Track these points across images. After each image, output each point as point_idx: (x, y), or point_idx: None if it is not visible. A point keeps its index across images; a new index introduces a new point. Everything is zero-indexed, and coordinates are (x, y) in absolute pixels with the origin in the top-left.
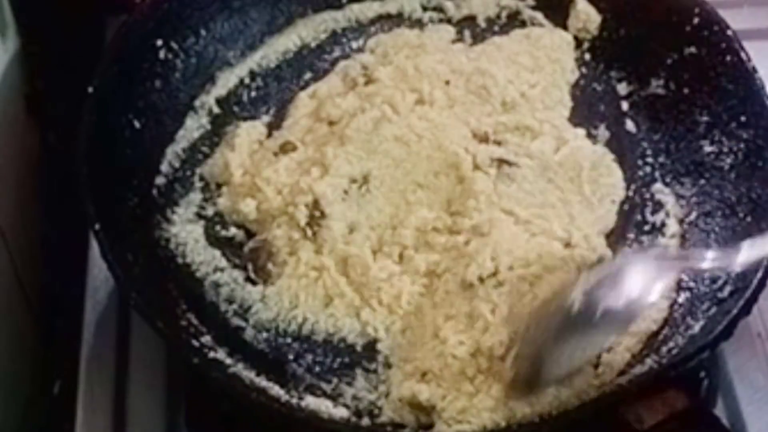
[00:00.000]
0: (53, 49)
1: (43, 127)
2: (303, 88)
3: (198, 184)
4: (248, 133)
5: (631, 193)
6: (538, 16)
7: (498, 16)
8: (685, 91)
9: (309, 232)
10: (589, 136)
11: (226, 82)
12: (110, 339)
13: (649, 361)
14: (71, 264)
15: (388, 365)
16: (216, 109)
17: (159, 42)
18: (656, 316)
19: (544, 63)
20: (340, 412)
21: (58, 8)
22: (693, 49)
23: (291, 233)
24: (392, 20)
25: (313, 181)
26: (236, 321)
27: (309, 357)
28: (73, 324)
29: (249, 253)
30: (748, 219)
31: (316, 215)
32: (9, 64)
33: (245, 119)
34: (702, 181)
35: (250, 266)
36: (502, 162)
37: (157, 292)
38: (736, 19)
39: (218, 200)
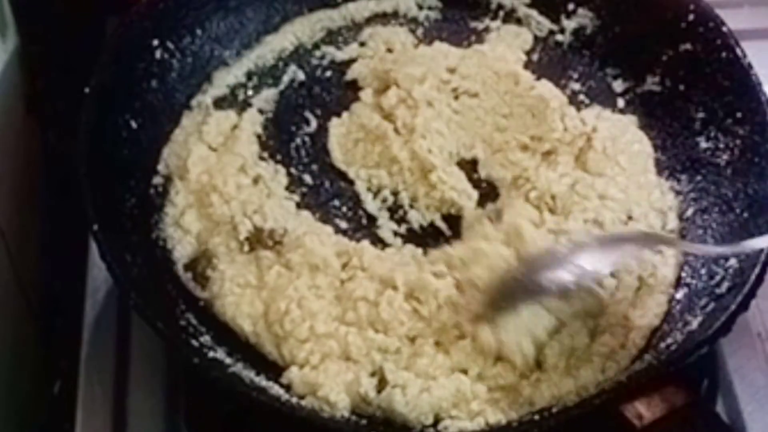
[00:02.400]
0: (53, 49)
1: (43, 127)
2: (299, 87)
3: None
4: (218, 123)
5: None
6: (534, 13)
7: (495, 15)
8: (681, 87)
9: (246, 248)
10: None
11: (222, 81)
12: (110, 339)
13: (647, 357)
14: (71, 264)
15: None
16: (212, 109)
17: (155, 42)
18: (657, 310)
19: None
20: (341, 412)
21: (58, 8)
22: (688, 46)
23: (229, 243)
24: (388, 19)
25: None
26: None
27: None
28: (73, 324)
29: (190, 259)
30: (745, 215)
31: (260, 235)
32: (9, 64)
33: None
34: (698, 178)
35: (189, 274)
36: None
37: (156, 293)
38: (735, 19)
39: (174, 198)
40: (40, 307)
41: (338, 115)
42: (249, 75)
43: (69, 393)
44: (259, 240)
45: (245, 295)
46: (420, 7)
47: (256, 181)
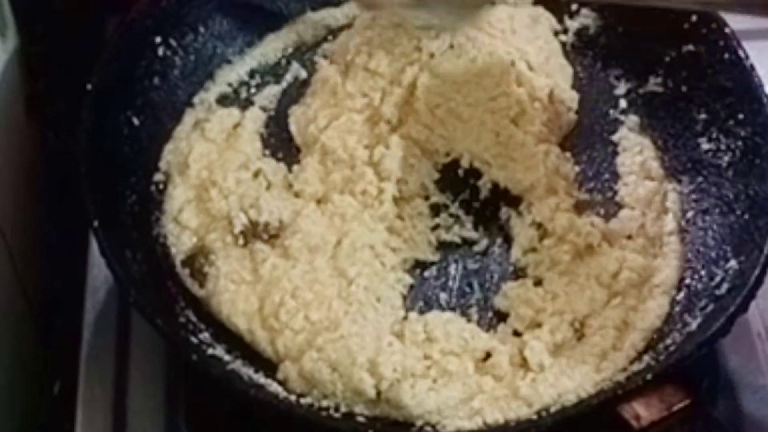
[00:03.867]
0: (53, 49)
1: (43, 127)
2: (301, 86)
3: None
4: (221, 121)
5: None
6: None
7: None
8: (683, 88)
9: (241, 241)
10: None
11: (224, 79)
12: (110, 339)
13: (646, 358)
14: (71, 264)
15: None
16: (215, 107)
17: (158, 39)
18: (659, 312)
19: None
20: (340, 409)
21: (58, 8)
22: (691, 47)
23: (225, 237)
24: None
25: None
26: None
27: None
28: (73, 324)
29: (188, 255)
30: (746, 216)
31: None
32: (9, 64)
33: None
34: (700, 179)
35: (187, 270)
36: None
37: (156, 290)
38: (736, 19)
39: (173, 193)
40: (40, 307)
41: None
42: (251, 73)
43: (69, 393)
44: (254, 233)
45: (240, 291)
46: None
47: (256, 174)
